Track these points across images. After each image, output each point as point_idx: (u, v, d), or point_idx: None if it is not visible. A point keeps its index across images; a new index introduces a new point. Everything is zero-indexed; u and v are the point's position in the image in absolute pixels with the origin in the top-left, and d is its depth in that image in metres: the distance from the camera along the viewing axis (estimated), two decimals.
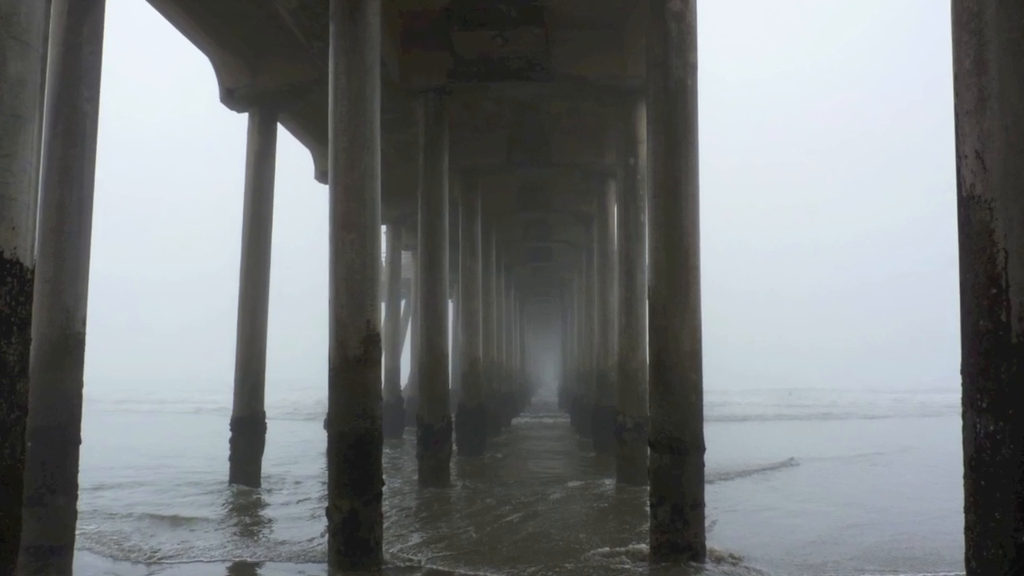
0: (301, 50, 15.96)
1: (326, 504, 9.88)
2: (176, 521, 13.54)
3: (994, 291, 4.52)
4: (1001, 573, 4.41)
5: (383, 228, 31.71)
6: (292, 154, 24.24)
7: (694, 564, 9.63)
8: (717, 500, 14.69)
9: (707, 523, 10.15)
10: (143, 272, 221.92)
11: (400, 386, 32.69)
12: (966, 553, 4.68)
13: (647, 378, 10.93)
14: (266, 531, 12.76)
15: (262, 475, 17.05)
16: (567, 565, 10.11)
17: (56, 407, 9.67)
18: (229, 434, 16.83)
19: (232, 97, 17.34)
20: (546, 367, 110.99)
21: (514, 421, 37.72)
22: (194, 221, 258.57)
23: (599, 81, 16.57)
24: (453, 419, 17.56)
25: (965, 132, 4.70)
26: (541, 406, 54.30)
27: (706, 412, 10.39)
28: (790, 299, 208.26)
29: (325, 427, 10.97)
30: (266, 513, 14.40)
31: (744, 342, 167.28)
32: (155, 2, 14.35)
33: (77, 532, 10.16)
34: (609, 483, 16.66)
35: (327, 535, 9.85)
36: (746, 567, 9.99)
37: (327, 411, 10.13)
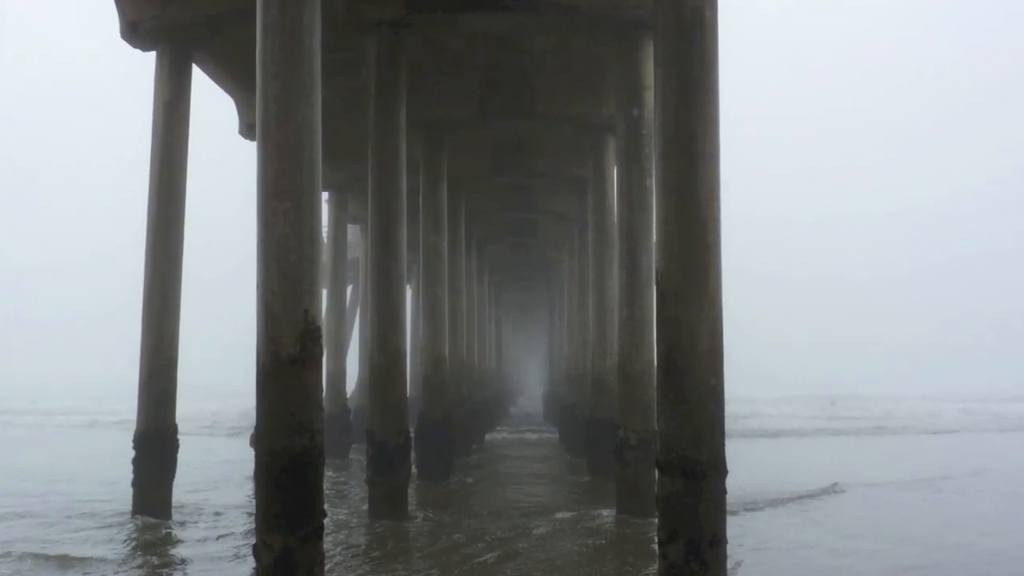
0: None
1: (253, 540, 9.87)
2: (66, 562, 13.49)
3: None
4: None
5: (324, 196, 31.58)
6: (211, 104, 24.09)
7: None
8: (743, 535, 14.79)
9: (730, 564, 10.21)
10: (26, 253, 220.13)
11: (346, 394, 32.62)
12: None
13: (654, 383, 10.95)
14: (178, 574, 12.73)
15: (173, 504, 16.99)
16: None
17: None
18: (132, 453, 16.74)
19: (135, 32, 17.14)
20: (529, 369, 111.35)
21: (488, 436, 37.86)
22: (90, 189, 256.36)
23: (594, 11, 16.54)
24: (412, 434, 17.57)
25: None
26: (522, 418, 54.41)
27: (729, 425, 10.42)
28: (834, 285, 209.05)
29: (252, 444, 10.93)
30: (178, 551, 14.37)
31: (777, 338, 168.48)
32: None
33: None
34: (607, 514, 16.74)
35: None
36: None
37: (255, 424, 10.10)
